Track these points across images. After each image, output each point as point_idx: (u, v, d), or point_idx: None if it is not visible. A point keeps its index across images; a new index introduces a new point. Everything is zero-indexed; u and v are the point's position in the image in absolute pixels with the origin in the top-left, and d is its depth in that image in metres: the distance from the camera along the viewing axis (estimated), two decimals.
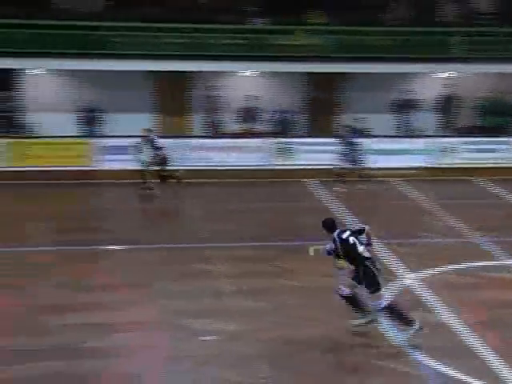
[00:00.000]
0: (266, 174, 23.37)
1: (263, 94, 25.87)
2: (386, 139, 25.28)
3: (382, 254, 15.54)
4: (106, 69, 24.10)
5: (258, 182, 22.73)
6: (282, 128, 25.93)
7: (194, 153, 24.20)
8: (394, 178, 23.17)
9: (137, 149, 20.78)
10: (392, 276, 14.11)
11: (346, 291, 11.48)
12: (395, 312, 11.41)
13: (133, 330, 11.66)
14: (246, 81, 26.28)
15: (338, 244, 11.38)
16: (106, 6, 25.88)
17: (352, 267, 11.40)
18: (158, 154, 20.51)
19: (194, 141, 24.86)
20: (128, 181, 21.54)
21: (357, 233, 11.67)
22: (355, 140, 21.99)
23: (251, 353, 10.94)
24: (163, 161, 20.52)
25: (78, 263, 14.91)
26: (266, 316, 12.19)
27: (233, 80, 26.32)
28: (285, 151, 24.59)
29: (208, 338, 11.39)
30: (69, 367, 10.33)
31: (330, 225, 11.70)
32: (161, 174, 20.53)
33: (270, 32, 25.62)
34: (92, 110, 25.13)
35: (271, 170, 23.89)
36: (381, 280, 11.42)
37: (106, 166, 23.29)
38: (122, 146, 23.49)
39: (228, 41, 25.33)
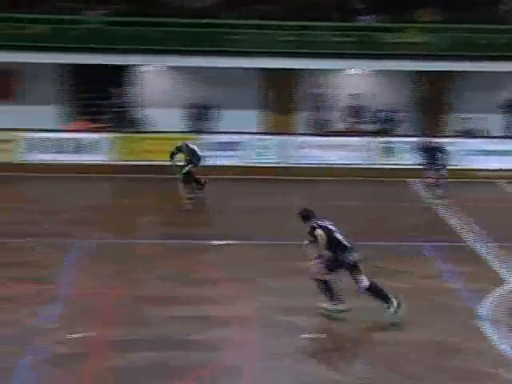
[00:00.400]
0: (370, 173, 23.23)
1: (370, 93, 25.72)
2: (496, 140, 24.73)
3: (491, 257, 15.26)
4: (217, 66, 24.52)
5: (361, 181, 22.64)
6: (388, 127, 25.70)
7: (300, 150, 24.32)
8: (503, 180, 22.64)
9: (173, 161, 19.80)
10: (503, 280, 13.86)
11: (320, 275, 11.67)
12: (374, 291, 11.63)
13: (235, 324, 11.81)
14: (353, 79, 26.20)
15: (317, 225, 11.65)
16: (220, 3, 26.28)
17: (329, 254, 11.59)
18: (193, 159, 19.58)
19: (299, 138, 24.99)
20: (239, 176, 21.89)
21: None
22: (436, 145, 20.73)
23: (351, 352, 10.95)
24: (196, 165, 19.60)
25: (185, 257, 15.26)
26: (366, 316, 12.15)
27: (340, 78, 26.28)
28: (389, 150, 24.39)
29: (308, 336, 11.42)
30: (172, 359, 10.54)
31: (305, 215, 11.95)
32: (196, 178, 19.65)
33: (379, 30, 25.46)
34: (202, 106, 25.61)
35: (375, 169, 23.74)
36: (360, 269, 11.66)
37: (215, 162, 23.71)
38: (230, 142, 23.93)
39: (337, 38, 25.33)
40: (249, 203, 20.02)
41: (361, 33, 25.42)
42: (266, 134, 25.35)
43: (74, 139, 24.18)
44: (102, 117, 25.59)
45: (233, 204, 19.96)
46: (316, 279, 11.83)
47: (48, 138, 24.01)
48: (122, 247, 15.85)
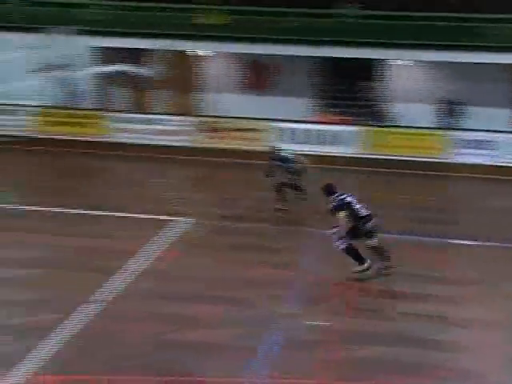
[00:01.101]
0: None
1: None
2: None
3: None
4: (468, 61, 23.88)
5: None
6: None
7: None
8: None
9: (269, 168, 17.72)
10: None
11: (342, 245, 12.93)
12: (352, 252, 12.98)
13: (475, 327, 11.55)
14: None
15: (337, 203, 12.99)
16: None
17: (350, 224, 12.87)
18: (289, 170, 17.50)
19: None
20: (483, 176, 21.20)
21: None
22: None
23: None
24: (295, 175, 17.48)
25: (427, 254, 14.99)
26: None
27: None
28: None
29: None
30: (408, 355, 10.52)
31: (329, 189, 13.32)
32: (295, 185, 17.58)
33: None
34: (452, 102, 25.05)
35: None
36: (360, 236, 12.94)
37: (462, 160, 23.12)
38: (478, 140, 23.20)
39: None
40: (497, 204, 19.28)
41: None
42: None
43: (322, 131, 24.60)
44: (351, 110, 25.83)
45: (480, 203, 19.32)
46: (342, 250, 12.97)
47: (297, 129, 24.64)
48: None
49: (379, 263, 13.21)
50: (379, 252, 13.22)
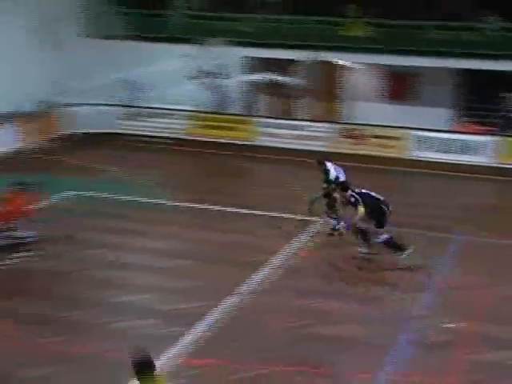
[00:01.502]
0: None
1: None
2: None
3: None
4: None
5: None
6: None
7: None
8: None
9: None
10: None
11: (385, 236, 14.28)
12: (391, 244, 14.32)
13: None
14: None
15: (357, 196, 14.11)
16: None
17: (367, 211, 13.99)
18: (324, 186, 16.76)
19: None
20: None
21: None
22: None
23: None
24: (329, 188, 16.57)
25: None
26: None
27: None
28: None
29: None
30: None
31: (344, 186, 14.63)
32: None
33: None
34: None
35: None
36: (387, 220, 14.17)
37: None
38: None
39: None
40: None
41: None
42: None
43: (461, 140, 24.81)
44: (490, 120, 25.80)
45: None
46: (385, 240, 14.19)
47: (436, 138, 24.96)
48: (500, 247, 15.96)
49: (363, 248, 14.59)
50: (391, 245, 14.42)
